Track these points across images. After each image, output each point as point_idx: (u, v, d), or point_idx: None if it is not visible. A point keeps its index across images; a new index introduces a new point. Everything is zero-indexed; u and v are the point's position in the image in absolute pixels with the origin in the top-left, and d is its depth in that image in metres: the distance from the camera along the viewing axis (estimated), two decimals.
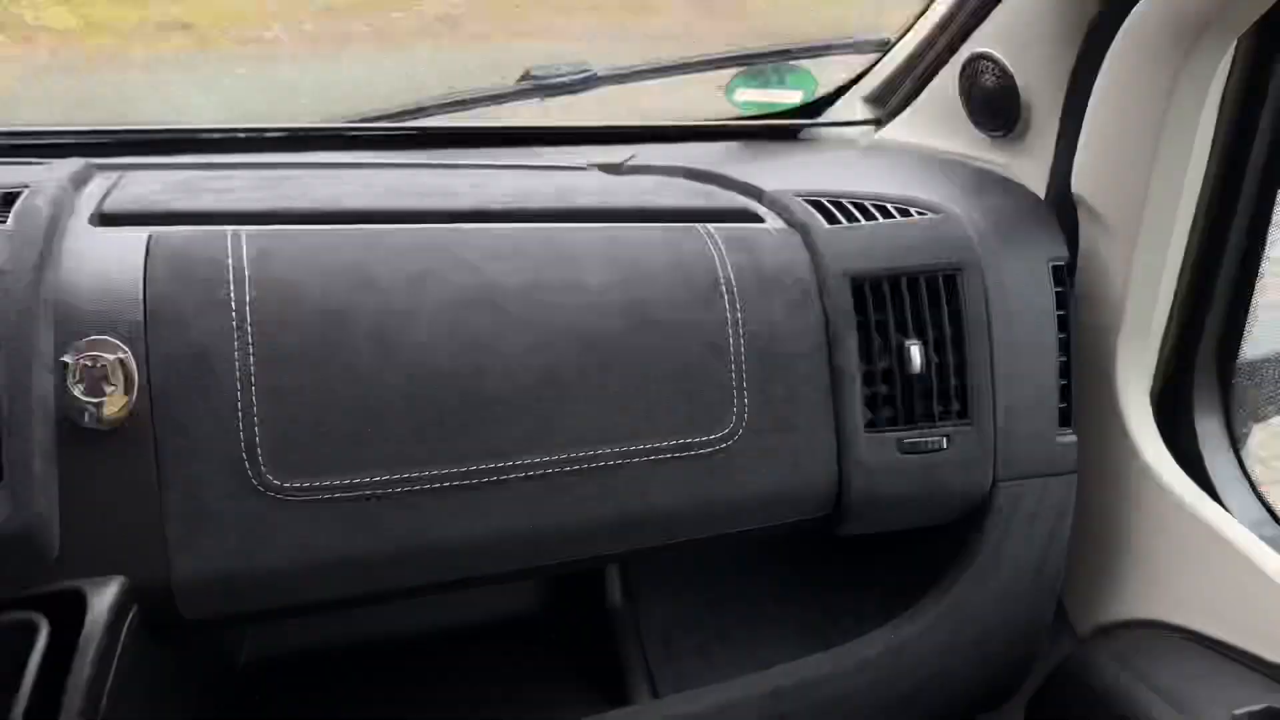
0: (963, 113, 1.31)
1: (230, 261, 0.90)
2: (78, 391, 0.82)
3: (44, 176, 0.95)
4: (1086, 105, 1.13)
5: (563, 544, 0.99)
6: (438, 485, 0.92)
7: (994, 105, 1.25)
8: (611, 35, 1.64)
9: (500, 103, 1.51)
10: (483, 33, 1.62)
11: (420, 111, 1.47)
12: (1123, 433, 1.20)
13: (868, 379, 1.08)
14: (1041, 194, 1.23)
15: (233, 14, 1.49)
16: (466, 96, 1.48)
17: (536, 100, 1.54)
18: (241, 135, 1.39)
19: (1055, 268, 1.16)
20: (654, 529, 1.01)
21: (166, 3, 1.46)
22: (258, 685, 1.22)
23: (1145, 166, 1.10)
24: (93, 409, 0.83)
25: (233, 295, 0.88)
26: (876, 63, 1.51)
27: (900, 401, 1.08)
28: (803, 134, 1.62)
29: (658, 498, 1.00)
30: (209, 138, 1.38)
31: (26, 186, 0.91)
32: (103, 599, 0.82)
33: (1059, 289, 1.15)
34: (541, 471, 0.95)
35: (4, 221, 0.86)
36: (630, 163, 1.53)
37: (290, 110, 1.52)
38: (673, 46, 1.68)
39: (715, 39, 1.59)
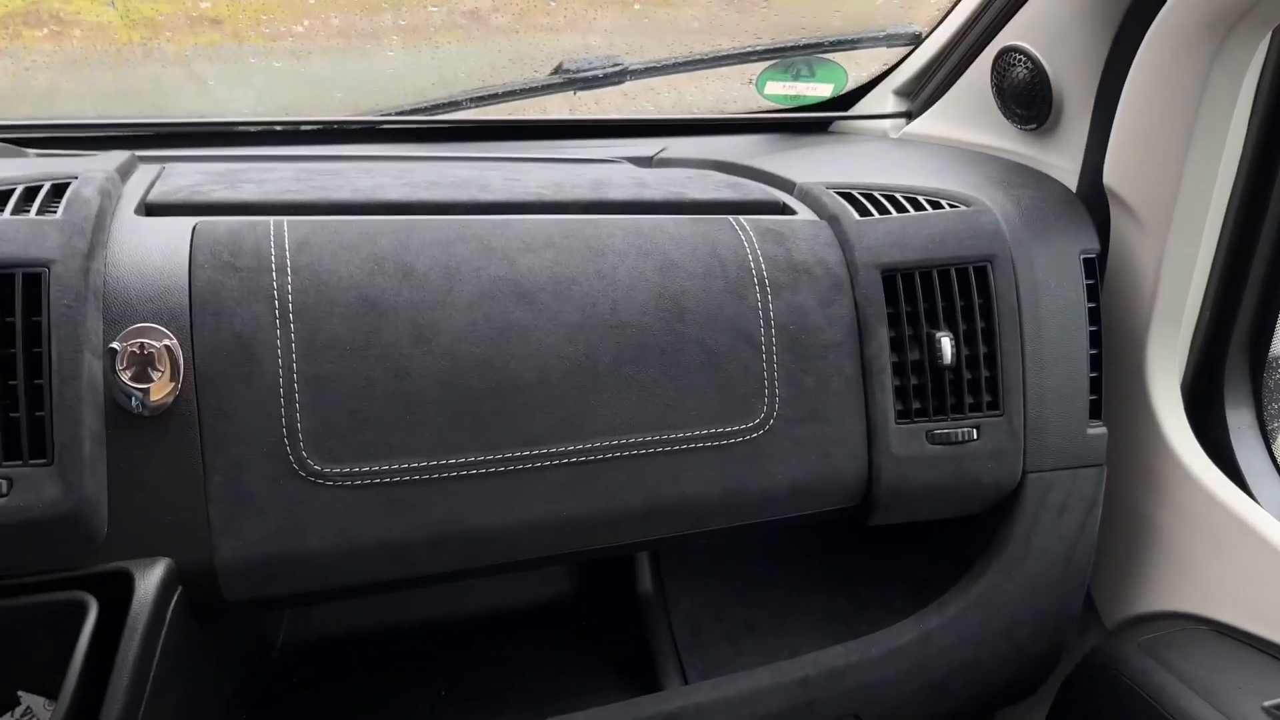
0: (994, 105, 1.31)
1: (273, 251, 0.92)
2: (126, 377, 0.84)
3: (92, 167, 0.97)
4: (1119, 97, 1.13)
5: (594, 531, 1.00)
6: (472, 472, 0.94)
7: (1026, 98, 1.25)
8: (639, 28, 1.65)
9: (532, 96, 1.53)
10: (508, 26, 1.63)
11: (453, 105, 1.49)
12: (1153, 424, 1.20)
13: (898, 370, 1.08)
14: (1073, 186, 1.23)
15: (262, 9, 1.51)
16: (499, 90, 1.50)
17: (568, 93, 1.55)
18: (278, 128, 1.42)
19: (1086, 260, 1.16)
20: (684, 517, 1.02)
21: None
22: (294, 668, 1.24)
23: (1178, 158, 1.10)
24: (139, 394, 0.85)
25: (275, 284, 0.90)
26: (907, 56, 1.51)
27: (930, 393, 1.09)
28: (833, 127, 1.63)
29: (688, 486, 1.01)
30: (246, 130, 1.40)
31: (75, 177, 0.93)
32: (149, 580, 0.84)
33: (1090, 281, 1.16)
34: (574, 459, 0.97)
35: (55, 211, 0.88)
36: (661, 155, 1.54)
37: (325, 103, 1.53)
38: (698, 38, 1.69)
39: (741, 30, 1.59)
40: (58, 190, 0.92)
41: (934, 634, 1.16)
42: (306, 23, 1.55)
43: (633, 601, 1.29)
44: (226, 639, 1.09)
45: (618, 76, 1.53)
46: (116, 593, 0.84)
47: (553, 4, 1.58)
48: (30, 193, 0.90)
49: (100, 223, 0.89)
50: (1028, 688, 1.28)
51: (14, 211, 0.87)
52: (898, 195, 1.16)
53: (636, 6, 1.67)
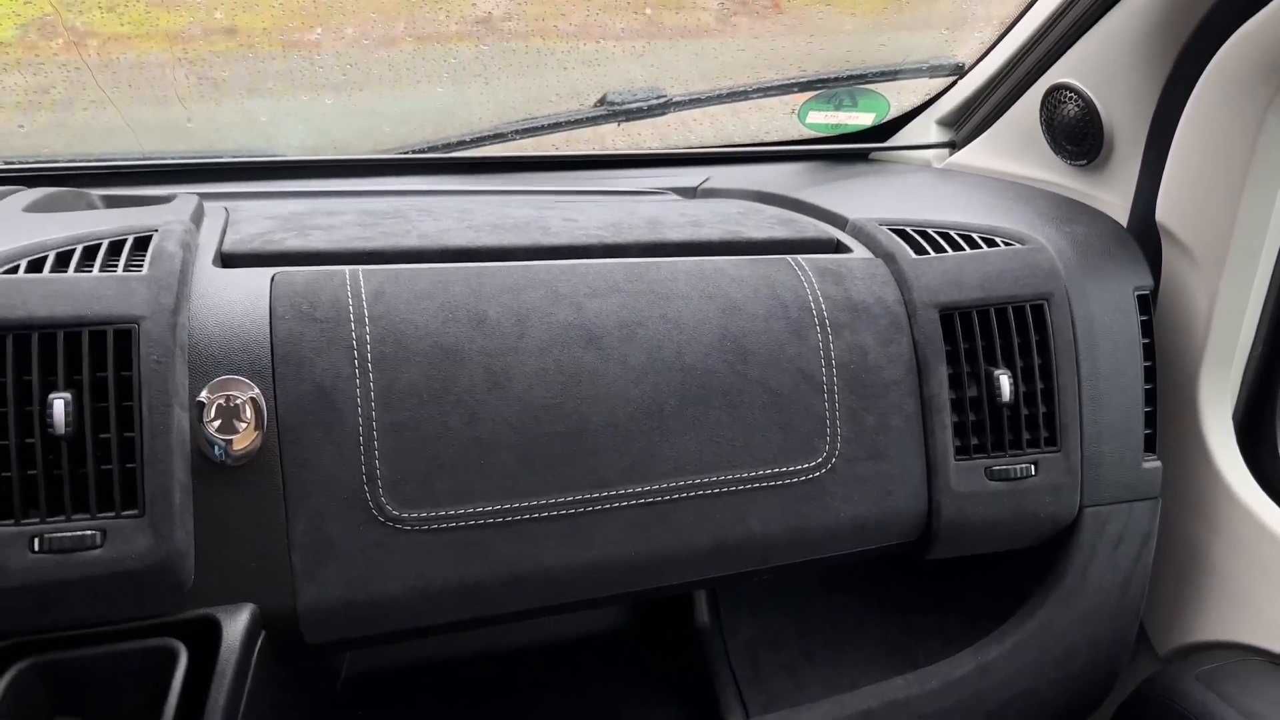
0: (1043, 140, 1.32)
1: (350, 301, 0.94)
2: (213, 429, 0.86)
3: (170, 219, 0.99)
4: (1172, 136, 1.15)
5: (663, 569, 1.02)
6: (545, 515, 0.96)
7: (1076, 134, 1.26)
8: (651, 33, 1.66)
9: (578, 127, 1.55)
10: (520, 31, 1.65)
11: (500, 136, 1.51)
12: (1206, 458, 1.21)
13: (957, 407, 1.10)
14: (1124, 221, 1.24)
15: (275, 18, 1.54)
16: (545, 122, 1.52)
17: (613, 124, 1.57)
18: (331, 164, 1.44)
19: (1140, 296, 1.17)
20: (750, 555, 1.04)
21: (209, 8, 1.51)
22: (358, 698, 1.26)
23: (1233, 197, 1.11)
24: (224, 444, 0.87)
25: (354, 334, 0.92)
26: (950, 86, 1.53)
27: (989, 429, 1.10)
28: (873, 155, 1.64)
29: (754, 525, 1.02)
30: (300, 165, 1.42)
31: (155, 230, 0.95)
32: (236, 626, 0.86)
33: (1144, 317, 1.17)
34: (643, 500, 0.98)
35: (140, 266, 0.90)
36: (705, 186, 1.56)
37: (373, 136, 1.56)
38: (711, 43, 1.71)
39: (785, 62, 1.60)
40: (140, 243, 0.94)
41: (992, 665, 1.18)
42: (319, 30, 1.57)
43: (690, 632, 1.31)
44: (301, 674, 1.11)
45: (661, 108, 1.55)
46: (205, 638, 0.86)
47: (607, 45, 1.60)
48: (115, 247, 0.92)
49: (184, 276, 0.91)
50: (1081, 714, 1.29)
51: (101, 267, 0.89)
52: (952, 233, 1.18)
53: (682, 40, 1.69)
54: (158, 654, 0.86)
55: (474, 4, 1.64)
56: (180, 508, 0.85)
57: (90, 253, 0.91)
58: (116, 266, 0.90)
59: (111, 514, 0.83)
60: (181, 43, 1.45)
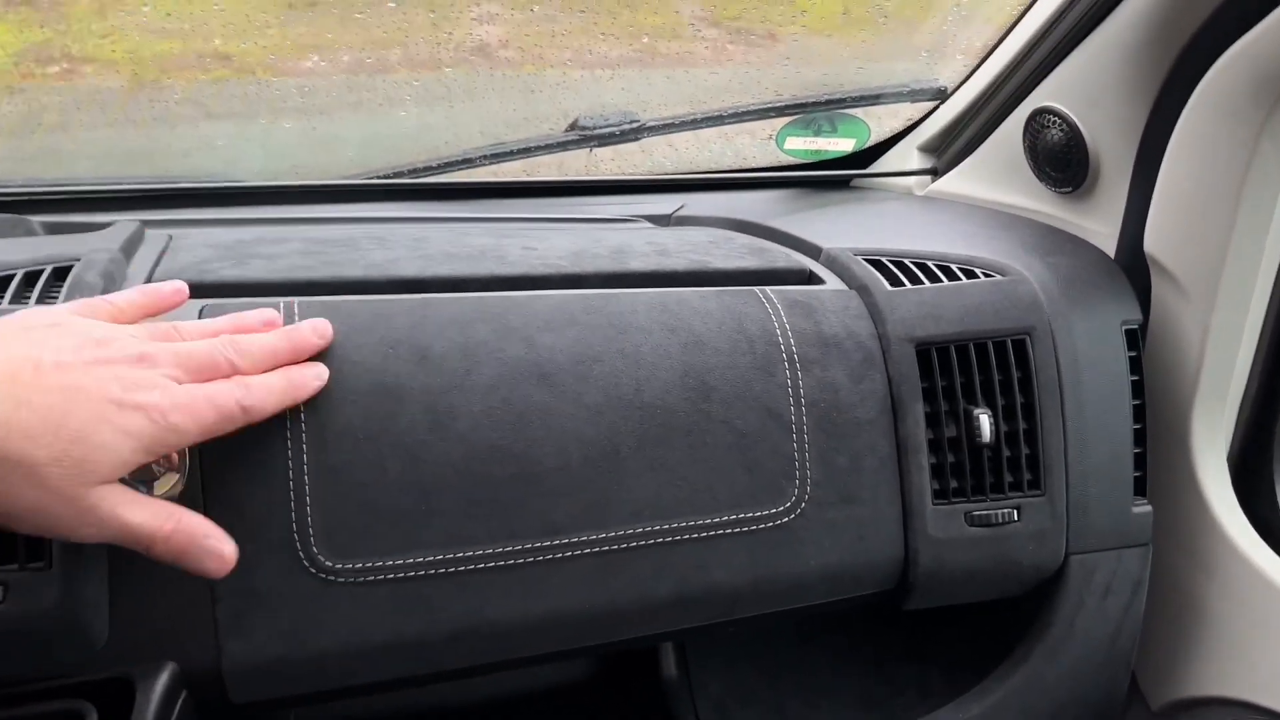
0: (1026, 166, 1.27)
1: None
2: (130, 474, 0.80)
3: (96, 246, 0.93)
4: (1160, 162, 1.10)
5: (620, 622, 0.96)
6: (491, 564, 0.89)
7: (1060, 160, 1.22)
8: (659, 83, 1.63)
9: (548, 153, 1.50)
10: (514, 59, 1.62)
11: (467, 162, 1.47)
12: (1199, 501, 1.15)
13: (934, 448, 1.04)
14: (1111, 252, 1.19)
15: (270, 46, 1.50)
16: (514, 147, 1.48)
17: (584, 149, 1.53)
18: (290, 190, 1.39)
19: (1128, 330, 1.12)
20: (714, 606, 0.98)
21: (206, 36, 1.47)
22: None
23: (1224, 226, 1.06)
24: (143, 489, 0.81)
25: None
26: (932, 111, 1.48)
27: (969, 472, 1.04)
28: (854, 182, 1.60)
29: (717, 574, 0.96)
30: (257, 190, 1.37)
31: (78, 259, 0.90)
32: (152, 687, 0.80)
33: (1132, 353, 1.11)
34: (598, 548, 0.92)
35: (55, 298, 0.84)
36: (679, 213, 1.51)
37: (337, 162, 1.51)
38: (701, 72, 1.67)
39: (761, 86, 1.56)
40: (59, 274, 0.88)
41: None
42: (315, 58, 1.54)
43: (657, 685, 1.24)
44: None
45: (634, 133, 1.51)
46: (119, 700, 0.80)
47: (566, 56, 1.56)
48: (31, 277, 0.87)
49: None
50: None
51: (13, 299, 0.83)
52: (929, 263, 1.12)
53: (653, 62, 1.65)
54: (65, 717, 0.79)
55: (449, 34, 1.60)
56: (91, 557, 0.78)
57: (3, 283, 0.86)
58: (29, 299, 0.84)
59: (14, 565, 0.77)
60: (154, 68, 1.42)
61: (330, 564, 0.85)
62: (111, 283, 0.89)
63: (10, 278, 0.86)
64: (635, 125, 1.49)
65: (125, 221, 1.11)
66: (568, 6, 1.54)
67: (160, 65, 1.45)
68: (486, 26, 1.60)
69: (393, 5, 1.50)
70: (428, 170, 1.45)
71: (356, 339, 0.90)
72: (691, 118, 1.51)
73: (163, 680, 0.81)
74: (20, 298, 0.84)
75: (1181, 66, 1.06)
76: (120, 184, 1.32)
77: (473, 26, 1.58)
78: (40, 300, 0.84)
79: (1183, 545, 1.18)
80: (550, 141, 1.48)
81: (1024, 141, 1.26)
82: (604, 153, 1.55)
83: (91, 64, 1.49)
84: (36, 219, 1.20)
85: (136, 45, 1.47)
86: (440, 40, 1.54)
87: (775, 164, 1.61)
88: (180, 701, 0.83)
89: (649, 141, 1.55)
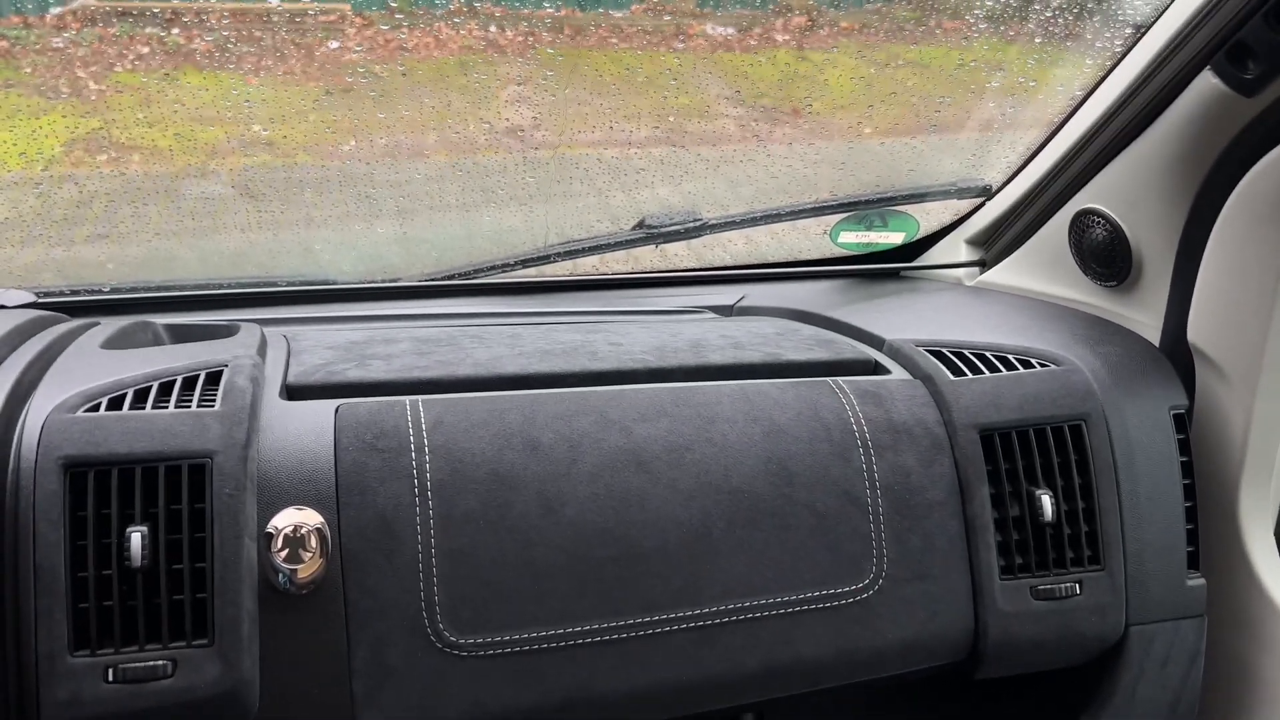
0: (1072, 261, 1.36)
1: (411, 431, 0.97)
2: (280, 558, 0.89)
3: (239, 354, 1.03)
4: (1200, 259, 1.18)
5: (712, 693, 1.03)
6: (598, 639, 0.97)
7: (1104, 256, 1.30)
8: (671, 140, 1.73)
9: (617, 249, 1.60)
10: (550, 142, 1.72)
11: (543, 259, 1.56)
12: (1250, 574, 1.22)
13: (1000, 526, 1.11)
14: (1155, 340, 1.27)
15: (309, 130, 1.61)
16: (586, 244, 1.57)
17: (650, 246, 1.62)
18: (384, 290, 1.49)
19: (1176, 414, 1.19)
20: (799, 678, 1.05)
21: (246, 122, 1.58)
22: None
23: (1263, 317, 1.14)
24: (289, 573, 0.89)
25: (414, 463, 0.95)
26: (979, 207, 1.57)
27: (1033, 548, 1.11)
28: (904, 273, 1.68)
29: (803, 647, 1.03)
30: (354, 291, 1.48)
31: (225, 365, 1.00)
32: None
33: (1180, 435, 1.19)
34: (692, 624, 1.00)
35: (212, 401, 0.94)
36: (741, 304, 1.60)
37: (422, 261, 1.62)
38: (730, 149, 1.76)
39: (817, 188, 1.66)
40: (212, 378, 0.98)
41: None
42: (352, 142, 1.63)
43: None
44: None
45: (697, 230, 1.60)
46: None
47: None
48: (189, 382, 0.97)
49: (254, 410, 0.95)
50: None
51: (176, 403, 0.93)
52: (987, 353, 1.20)
53: (721, 169, 1.76)
54: None
55: (506, 119, 1.71)
56: (248, 636, 0.87)
57: (166, 389, 0.95)
58: (190, 402, 0.94)
59: (183, 643, 0.86)
60: (220, 157, 1.53)
61: (455, 639, 0.93)
62: (258, 386, 0.99)
63: (173, 383, 0.96)
64: (699, 223, 1.58)
65: (249, 325, 1.22)
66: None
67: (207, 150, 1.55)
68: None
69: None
70: (506, 267, 1.55)
71: (476, 433, 0.99)
72: (751, 215, 1.60)
73: None
74: (182, 401, 0.94)
75: (1216, 175, 1.15)
76: (225, 286, 1.43)
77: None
78: (199, 403, 0.93)
79: (1235, 616, 1.24)
80: (619, 239, 1.58)
81: (1069, 238, 1.35)
82: (668, 247, 1.65)
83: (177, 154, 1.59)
84: (156, 319, 1.31)
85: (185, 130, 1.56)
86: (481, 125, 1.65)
87: (828, 255, 1.71)
88: None
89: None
